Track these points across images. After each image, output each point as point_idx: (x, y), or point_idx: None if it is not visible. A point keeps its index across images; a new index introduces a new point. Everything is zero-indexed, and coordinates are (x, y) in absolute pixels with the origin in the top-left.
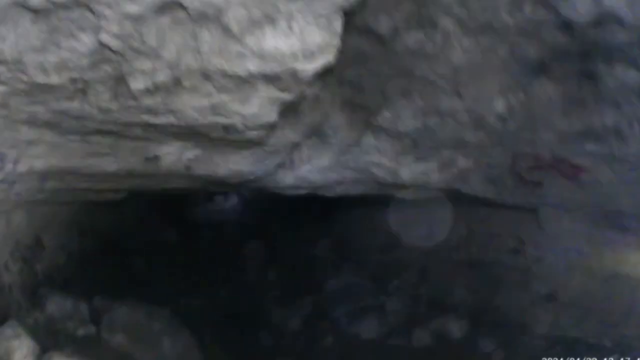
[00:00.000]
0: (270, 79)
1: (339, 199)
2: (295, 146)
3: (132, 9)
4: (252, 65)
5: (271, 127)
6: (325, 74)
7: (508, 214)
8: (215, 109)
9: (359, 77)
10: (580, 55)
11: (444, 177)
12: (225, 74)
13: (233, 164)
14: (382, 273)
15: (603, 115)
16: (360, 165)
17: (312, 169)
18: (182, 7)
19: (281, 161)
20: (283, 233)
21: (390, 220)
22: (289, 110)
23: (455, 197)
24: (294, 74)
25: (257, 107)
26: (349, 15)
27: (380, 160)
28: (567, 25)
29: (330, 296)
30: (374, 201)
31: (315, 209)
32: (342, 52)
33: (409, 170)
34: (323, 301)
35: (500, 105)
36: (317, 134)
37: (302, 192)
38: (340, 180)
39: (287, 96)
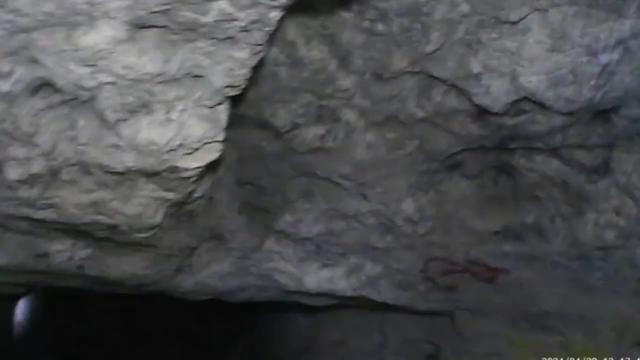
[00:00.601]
0: (150, 175)
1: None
2: (193, 250)
3: (3, 87)
4: (129, 160)
5: (161, 229)
6: (219, 173)
7: (423, 320)
8: (96, 207)
9: (259, 177)
10: (496, 148)
11: (352, 284)
12: (103, 168)
13: (127, 266)
14: None
15: (522, 213)
16: (262, 271)
17: (212, 274)
18: (55, 89)
19: (179, 265)
20: (201, 334)
21: (304, 324)
22: (181, 213)
23: (367, 303)
24: (175, 171)
25: (140, 207)
26: (243, 107)
27: (284, 267)
28: (481, 114)
29: None
30: (290, 304)
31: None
32: (240, 149)
33: (314, 278)
34: None
35: (409, 206)
36: (215, 237)
37: (204, 297)
38: (243, 287)
39: (172, 196)
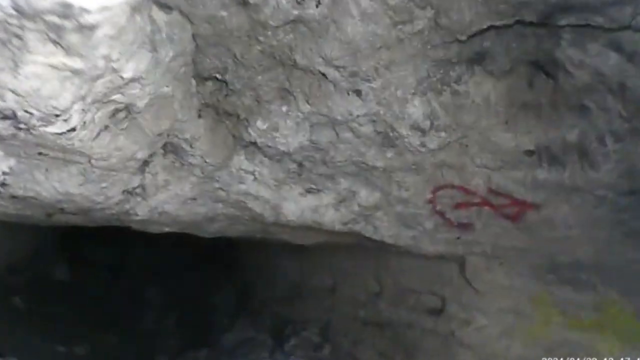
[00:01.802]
0: (35, 20)
1: (244, 242)
2: (144, 165)
3: None
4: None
5: (86, 129)
6: (166, 59)
7: (427, 266)
8: None
9: (223, 69)
10: (539, 25)
11: (342, 216)
12: None
13: (58, 184)
14: (281, 328)
15: (563, 127)
16: (232, 197)
17: (170, 199)
18: None
19: (128, 186)
20: (184, 277)
21: (292, 269)
22: (113, 109)
23: (360, 243)
24: (70, 14)
25: (36, 80)
26: None
27: (258, 191)
28: None
29: (225, 351)
30: (276, 247)
31: (224, 251)
32: (196, 25)
33: (296, 206)
34: (217, 357)
35: (417, 110)
36: (171, 150)
37: (167, 229)
38: (211, 217)
39: (78, 64)
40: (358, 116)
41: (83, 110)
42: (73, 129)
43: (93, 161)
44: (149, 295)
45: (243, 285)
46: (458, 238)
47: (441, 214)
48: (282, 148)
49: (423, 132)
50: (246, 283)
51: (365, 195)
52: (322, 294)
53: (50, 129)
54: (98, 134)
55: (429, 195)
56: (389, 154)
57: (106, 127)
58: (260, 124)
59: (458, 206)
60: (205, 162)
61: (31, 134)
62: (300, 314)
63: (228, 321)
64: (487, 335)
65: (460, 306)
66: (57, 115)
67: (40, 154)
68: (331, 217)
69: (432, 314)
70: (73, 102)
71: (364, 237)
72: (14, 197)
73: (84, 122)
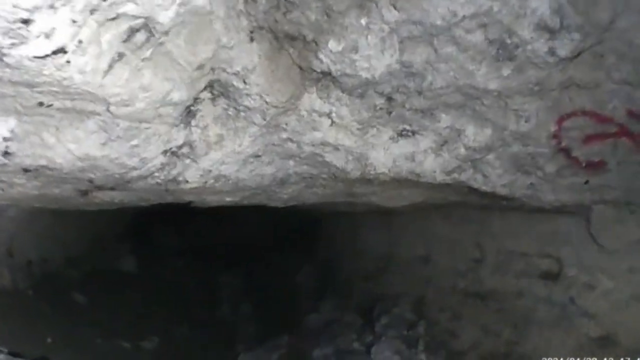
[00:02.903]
0: None
1: (326, 216)
2: (189, 117)
3: None
4: None
5: (93, 58)
6: None
7: (539, 224)
8: None
9: None
10: None
11: (444, 163)
12: None
13: (75, 145)
14: (370, 306)
15: None
16: (305, 149)
17: (227, 158)
18: None
19: (169, 144)
20: (262, 258)
21: (379, 240)
22: (131, 29)
23: (461, 200)
24: None
25: None
26: None
27: (337, 138)
28: None
29: (309, 335)
30: (363, 216)
31: (301, 227)
32: None
33: (386, 155)
34: (300, 341)
35: (541, 3)
36: (221, 91)
37: (229, 198)
38: (282, 178)
39: None
40: (464, 18)
41: (73, 21)
42: (62, 51)
43: (112, 108)
44: (225, 281)
45: (326, 262)
46: (586, 182)
47: (566, 151)
48: (364, 75)
49: (552, 33)
50: (330, 260)
51: (473, 134)
52: (415, 266)
53: (27, 51)
54: (110, 66)
55: (553, 128)
56: (506, 71)
57: (121, 55)
58: (333, 45)
59: (588, 140)
60: (266, 103)
61: (6, 64)
62: (390, 290)
63: (311, 303)
64: (614, 302)
65: (581, 268)
66: (25, 22)
67: (41, 104)
68: (431, 166)
69: (546, 280)
70: (51, 2)
71: (469, 191)
72: (25, 170)
73: (80, 42)
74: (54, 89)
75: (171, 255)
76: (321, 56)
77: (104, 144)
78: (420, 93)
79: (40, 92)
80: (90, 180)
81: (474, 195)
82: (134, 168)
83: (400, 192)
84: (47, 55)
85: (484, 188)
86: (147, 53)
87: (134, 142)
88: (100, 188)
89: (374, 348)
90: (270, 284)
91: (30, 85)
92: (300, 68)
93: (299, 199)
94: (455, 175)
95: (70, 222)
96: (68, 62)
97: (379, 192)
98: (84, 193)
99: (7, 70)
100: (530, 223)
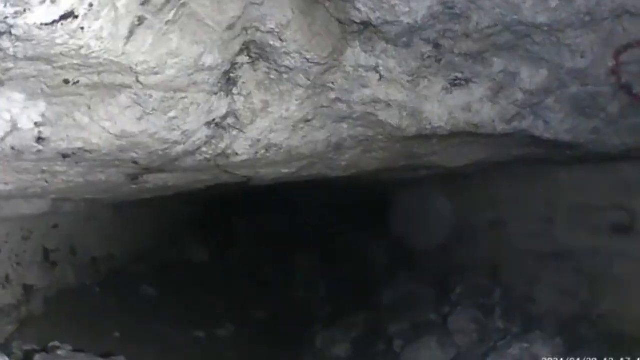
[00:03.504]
0: None
1: (393, 188)
2: (229, 84)
3: None
4: None
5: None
6: None
7: (606, 171)
8: None
9: None
10: None
11: (502, 112)
12: None
13: (109, 123)
14: (444, 277)
15: None
16: (356, 108)
17: (276, 125)
18: None
19: (212, 114)
20: (334, 238)
21: (449, 208)
22: None
23: (524, 155)
24: None
25: None
26: None
27: (388, 93)
28: None
29: (386, 310)
30: (429, 185)
31: (370, 202)
32: None
33: (440, 107)
34: (377, 318)
35: None
36: (259, 53)
37: (285, 170)
38: (336, 143)
39: None
40: None
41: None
42: (72, 15)
43: (142, 78)
44: (298, 264)
45: (397, 236)
46: None
47: (628, 88)
48: (406, 20)
49: None
50: (401, 233)
51: (529, 75)
52: (486, 231)
53: (34, 18)
54: (131, 32)
55: (611, 63)
56: (554, 2)
57: (141, 19)
58: None
59: None
60: (307, 60)
61: (16, 37)
62: (464, 258)
63: (386, 278)
64: None
65: None
66: None
67: (67, 82)
68: (489, 115)
69: (619, 233)
70: None
71: (532, 142)
72: (63, 155)
73: (91, 5)
74: (75, 61)
75: (243, 244)
76: (359, 5)
77: (140, 119)
78: (467, 36)
79: (61, 68)
80: (135, 161)
81: (537, 147)
82: (177, 142)
83: (461, 149)
84: (55, 22)
85: (546, 135)
86: (170, 15)
87: (172, 113)
88: (148, 170)
89: (450, 318)
90: (344, 262)
91: (49, 60)
92: (339, 21)
93: (359, 165)
94: (516, 123)
95: (134, 216)
96: (82, 28)
97: (439, 151)
98: (134, 178)
99: (19, 44)
100: (598, 173)
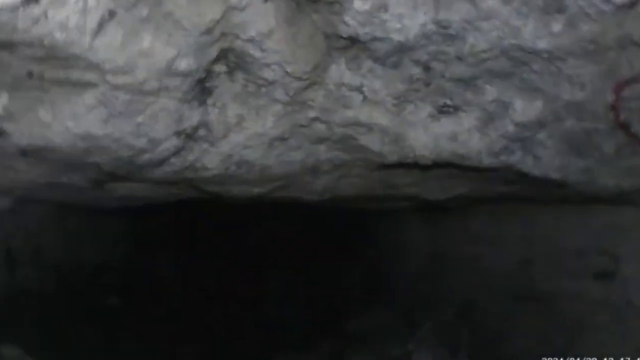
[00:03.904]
0: None
1: (370, 215)
2: (204, 94)
3: None
4: None
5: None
6: None
7: (593, 214)
8: None
9: None
10: None
11: (491, 144)
12: None
13: (73, 123)
14: (415, 310)
15: None
16: (336, 130)
17: (250, 141)
18: None
19: (182, 124)
20: (307, 260)
21: (425, 239)
22: None
23: (509, 192)
24: None
25: None
26: None
27: (371, 116)
28: None
29: (352, 340)
30: (407, 215)
31: (345, 226)
32: None
33: (426, 134)
34: (343, 347)
35: None
36: (237, 62)
37: (257, 190)
38: (313, 165)
39: None
40: None
41: None
42: (35, 0)
43: (110, 77)
44: (268, 284)
45: (371, 263)
46: None
47: (626, 127)
48: (396, 38)
49: None
50: (374, 261)
51: (522, 106)
52: (461, 267)
53: None
54: (101, 25)
55: (611, 97)
56: (556, 27)
57: (112, 13)
58: (359, 3)
59: None
60: (288, 74)
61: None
62: (435, 292)
63: (354, 306)
64: None
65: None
66: None
67: (31, 75)
68: (476, 146)
69: (601, 280)
70: None
71: (518, 179)
72: (23, 151)
73: None
74: (38, 53)
75: (215, 258)
76: (347, 18)
77: (105, 121)
78: (461, 59)
79: (24, 59)
80: (99, 165)
81: (523, 184)
82: (144, 150)
83: (443, 182)
84: (16, 6)
85: (534, 172)
86: (144, 12)
87: (139, 119)
88: (113, 177)
89: (415, 355)
90: (316, 284)
91: (11, 48)
92: (326, 35)
93: (335, 191)
94: (503, 157)
95: (104, 224)
96: (46, 16)
97: (420, 182)
98: (99, 183)
99: None
100: (582, 215)
